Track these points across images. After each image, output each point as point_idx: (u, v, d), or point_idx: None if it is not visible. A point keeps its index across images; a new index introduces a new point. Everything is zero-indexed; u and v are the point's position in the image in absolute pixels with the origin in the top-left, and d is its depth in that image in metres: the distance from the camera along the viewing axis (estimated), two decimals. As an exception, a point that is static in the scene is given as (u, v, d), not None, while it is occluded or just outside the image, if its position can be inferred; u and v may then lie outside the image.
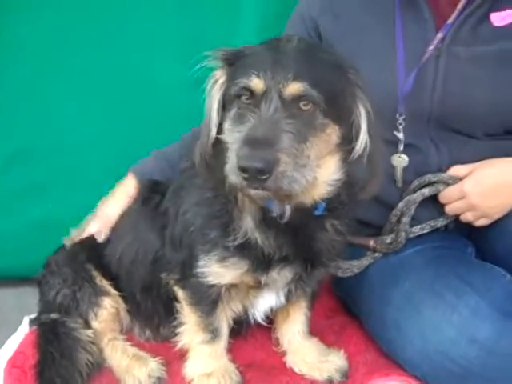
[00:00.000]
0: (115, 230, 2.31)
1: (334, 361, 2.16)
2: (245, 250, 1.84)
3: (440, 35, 2.16)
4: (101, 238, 2.29)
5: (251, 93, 1.62)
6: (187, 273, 1.99)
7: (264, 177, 1.48)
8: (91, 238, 2.33)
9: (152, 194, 2.23)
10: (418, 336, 1.99)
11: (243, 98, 1.64)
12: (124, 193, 2.33)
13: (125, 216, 2.31)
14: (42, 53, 2.72)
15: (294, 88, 1.58)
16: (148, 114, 2.84)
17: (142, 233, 2.19)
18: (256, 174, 1.48)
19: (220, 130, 1.76)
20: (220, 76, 1.76)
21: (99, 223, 2.31)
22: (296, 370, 2.18)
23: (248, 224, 1.82)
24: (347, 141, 1.73)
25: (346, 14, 2.34)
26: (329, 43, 2.32)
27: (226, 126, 1.71)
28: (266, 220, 1.81)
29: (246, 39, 2.61)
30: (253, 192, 1.57)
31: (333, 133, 1.67)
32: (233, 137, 1.64)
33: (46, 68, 2.75)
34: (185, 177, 2.08)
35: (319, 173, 1.66)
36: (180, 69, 2.69)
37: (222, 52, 1.77)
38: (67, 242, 2.34)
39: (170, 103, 2.84)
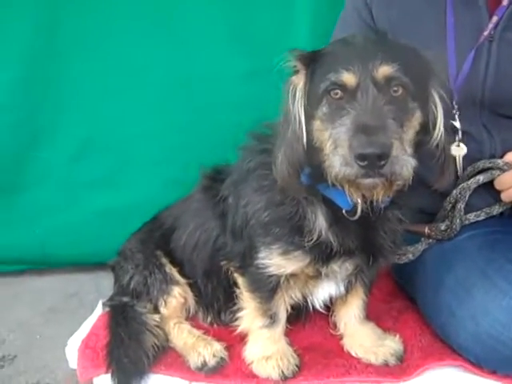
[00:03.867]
0: (181, 216, 2.38)
1: (390, 345, 2.19)
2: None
3: (495, 18, 2.14)
4: None
5: (342, 88, 1.63)
6: (247, 262, 2.05)
7: (383, 162, 1.51)
8: (160, 225, 2.44)
9: (213, 183, 2.25)
10: (470, 320, 1.99)
11: (332, 94, 1.64)
12: None
13: (189, 203, 2.37)
14: (103, 50, 2.87)
15: (384, 70, 1.61)
16: (202, 105, 2.92)
17: (203, 220, 2.25)
18: (376, 161, 1.51)
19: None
20: (299, 80, 1.74)
21: None
22: (352, 353, 2.22)
23: (321, 224, 1.86)
24: (423, 130, 1.73)
25: (399, 1, 2.34)
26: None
27: (316, 126, 1.70)
28: (336, 218, 1.85)
29: (299, 31, 2.66)
30: (367, 181, 1.58)
31: (418, 118, 1.69)
32: (333, 132, 1.62)
33: (108, 65, 2.90)
34: (251, 176, 2.03)
35: None
36: (232, 61, 2.81)
37: (299, 53, 1.75)
38: None
39: (223, 95, 2.89)
